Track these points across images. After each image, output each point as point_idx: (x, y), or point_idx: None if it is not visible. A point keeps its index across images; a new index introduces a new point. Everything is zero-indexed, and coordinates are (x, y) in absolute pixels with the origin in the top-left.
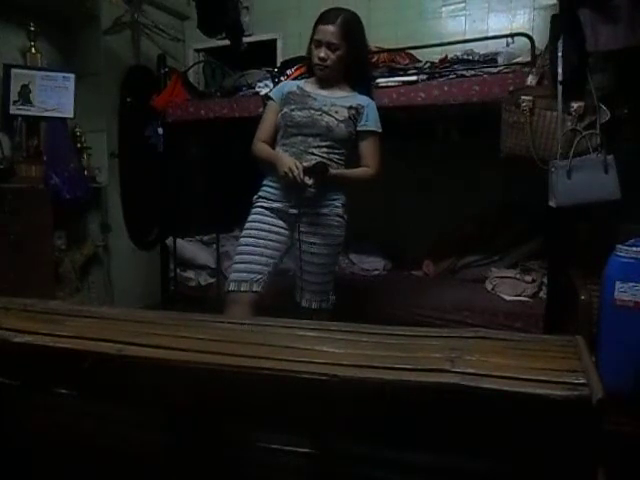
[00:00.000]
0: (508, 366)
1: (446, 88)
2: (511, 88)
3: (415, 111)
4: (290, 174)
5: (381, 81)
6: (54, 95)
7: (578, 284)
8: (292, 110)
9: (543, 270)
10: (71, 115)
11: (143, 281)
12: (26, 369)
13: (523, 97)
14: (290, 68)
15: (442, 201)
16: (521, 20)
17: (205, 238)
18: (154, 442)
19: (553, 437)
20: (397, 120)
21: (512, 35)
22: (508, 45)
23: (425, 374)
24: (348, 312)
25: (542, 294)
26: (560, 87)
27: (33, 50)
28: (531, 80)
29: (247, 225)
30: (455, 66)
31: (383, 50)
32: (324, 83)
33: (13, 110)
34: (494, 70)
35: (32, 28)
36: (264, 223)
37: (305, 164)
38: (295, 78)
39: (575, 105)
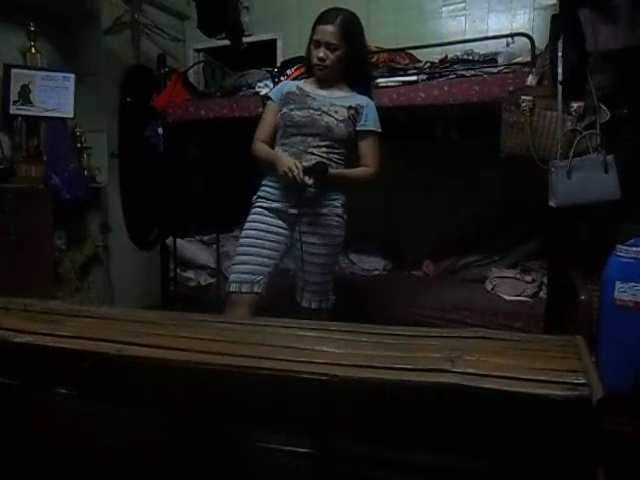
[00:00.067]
0: (508, 366)
1: (446, 88)
2: (511, 88)
3: (415, 111)
4: (290, 174)
5: (381, 81)
6: (54, 95)
7: (578, 284)
8: (291, 110)
9: (543, 270)
10: (71, 115)
11: (143, 281)
12: (26, 369)
13: (523, 97)
14: (290, 68)
15: (442, 201)
16: (521, 20)
17: (205, 238)
18: (154, 442)
19: (553, 437)
20: (397, 120)
21: (512, 35)
22: (508, 45)
23: (425, 374)
24: (348, 312)
25: (542, 294)
26: (560, 87)
27: (33, 50)
28: (531, 80)
29: (247, 225)
30: (455, 66)
31: (383, 50)
32: (323, 83)
33: (13, 110)
34: (494, 70)
35: (32, 28)
36: (264, 223)
37: (305, 164)
38: (295, 78)
39: (575, 105)
